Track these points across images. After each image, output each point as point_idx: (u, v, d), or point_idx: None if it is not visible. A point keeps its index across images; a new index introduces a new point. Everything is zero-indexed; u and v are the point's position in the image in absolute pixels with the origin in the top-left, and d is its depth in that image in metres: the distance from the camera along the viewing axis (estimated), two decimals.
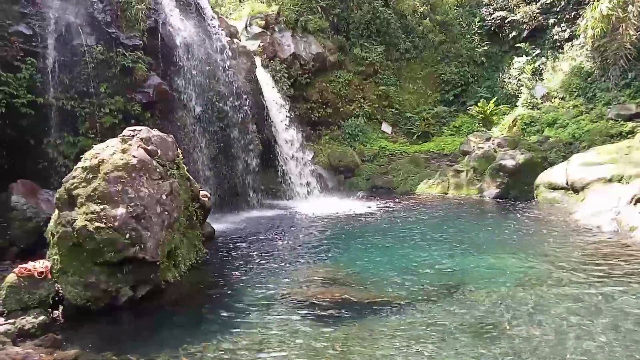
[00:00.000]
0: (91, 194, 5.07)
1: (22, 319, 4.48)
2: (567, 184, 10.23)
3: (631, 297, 5.05)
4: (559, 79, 14.46)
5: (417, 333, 4.40)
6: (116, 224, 4.95)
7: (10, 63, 7.70)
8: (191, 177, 6.78)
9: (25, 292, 4.68)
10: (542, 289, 5.36)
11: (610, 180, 9.28)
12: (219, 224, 8.72)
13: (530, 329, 4.39)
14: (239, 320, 4.84)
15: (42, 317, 4.55)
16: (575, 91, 13.96)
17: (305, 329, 4.59)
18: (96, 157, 5.35)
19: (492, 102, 15.20)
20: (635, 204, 7.97)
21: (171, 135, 6.44)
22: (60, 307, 4.87)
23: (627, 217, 7.80)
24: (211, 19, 11.30)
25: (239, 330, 4.60)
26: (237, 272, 6.31)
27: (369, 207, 11.01)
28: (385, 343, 4.23)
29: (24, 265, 4.82)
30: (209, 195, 7.32)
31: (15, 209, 6.60)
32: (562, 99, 14.19)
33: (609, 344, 4.08)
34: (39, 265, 4.84)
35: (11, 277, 4.74)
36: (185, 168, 6.59)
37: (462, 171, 12.73)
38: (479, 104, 15.33)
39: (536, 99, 14.65)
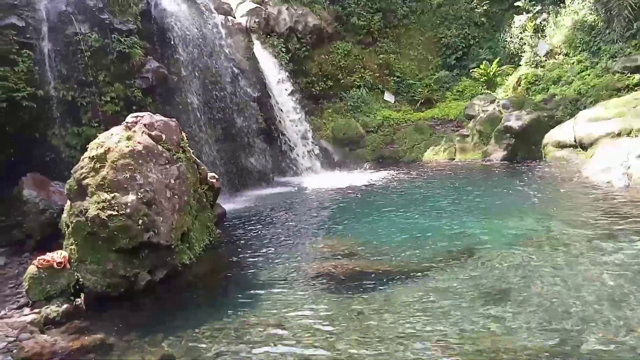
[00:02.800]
0: (101, 182, 5.10)
1: (47, 308, 4.59)
2: (575, 141, 10.14)
3: None
4: (562, 35, 14.12)
5: (433, 300, 4.45)
6: (128, 210, 5.00)
7: (6, 57, 7.63)
8: (198, 160, 6.79)
9: (47, 282, 4.78)
10: (555, 249, 5.38)
11: (618, 135, 9.18)
12: (229, 204, 8.78)
13: (545, 292, 4.43)
14: (257, 296, 4.92)
15: (65, 306, 4.66)
16: (579, 46, 13.64)
17: (322, 302, 4.66)
18: (102, 146, 5.36)
19: (494, 63, 14.94)
20: None
21: (174, 119, 6.42)
22: (82, 295, 4.97)
23: (638, 171, 7.74)
24: None
25: (258, 306, 4.69)
26: (251, 250, 6.39)
27: (377, 178, 11.01)
28: (404, 311, 4.29)
29: (42, 257, 4.90)
30: (216, 176, 7.34)
31: (28, 202, 6.67)
32: (566, 55, 13.89)
33: (627, 299, 4.11)
34: (57, 256, 4.92)
35: (32, 269, 4.83)
36: (191, 151, 6.59)
37: (467, 136, 12.64)
38: (481, 66, 15.08)
39: (539, 56, 14.36)
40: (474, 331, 3.82)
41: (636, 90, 10.93)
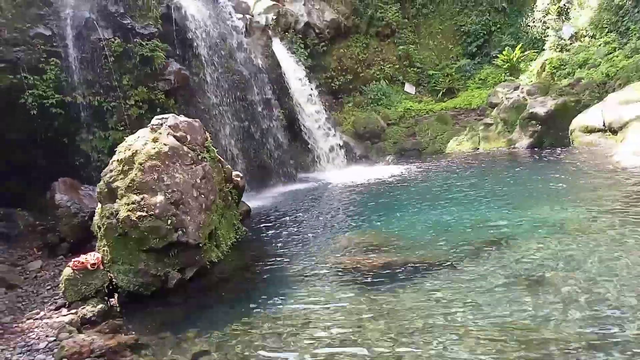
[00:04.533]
0: (129, 185, 5.21)
1: (83, 308, 4.73)
2: (603, 125, 9.86)
3: None
4: (587, 16, 13.71)
5: (464, 291, 4.40)
6: (157, 211, 5.09)
7: (36, 65, 7.87)
8: (222, 159, 6.86)
9: (82, 283, 4.92)
10: (588, 236, 5.26)
11: None
12: (254, 202, 8.86)
13: (580, 278, 4.33)
14: (285, 292, 4.96)
15: (100, 306, 4.79)
16: (606, 27, 13.22)
17: (351, 296, 4.66)
18: (129, 149, 5.47)
19: (517, 49, 14.61)
20: None
21: (197, 120, 6.50)
22: (116, 295, 5.11)
23: None
24: None
25: (287, 302, 4.73)
26: (277, 246, 6.44)
27: (400, 171, 10.94)
28: (433, 303, 4.26)
29: (77, 259, 5.05)
30: (241, 174, 7.41)
31: (60, 207, 6.86)
32: (592, 37, 13.49)
33: None
34: (90, 258, 5.06)
35: (67, 271, 4.98)
36: (215, 150, 6.67)
37: (491, 124, 12.42)
38: (503, 53, 14.78)
39: (564, 40, 13.98)
40: (507, 322, 3.77)
41: None
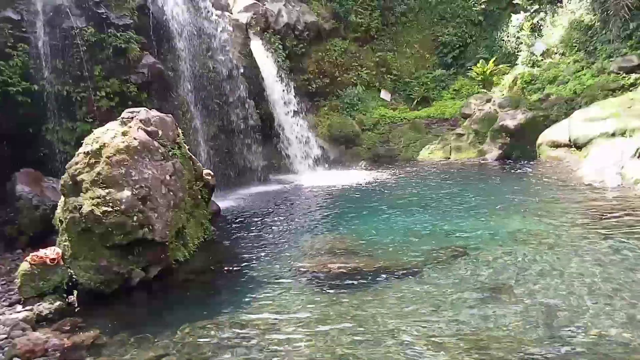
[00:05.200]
0: (95, 178, 5.06)
1: (39, 305, 4.56)
2: (569, 141, 10.18)
3: (637, 249, 5.10)
4: (558, 35, 14.17)
5: (428, 298, 4.46)
6: (123, 207, 4.96)
7: (2, 50, 7.58)
8: (193, 156, 6.75)
9: (40, 279, 4.74)
10: (547, 248, 5.41)
11: (613, 135, 9.23)
12: (224, 202, 8.76)
13: (539, 288, 4.45)
14: (251, 294, 4.91)
15: (58, 303, 4.62)
16: (575, 46, 13.69)
17: (317, 299, 4.66)
18: (97, 142, 5.31)
19: (491, 62, 14.96)
20: (639, 157, 7.94)
21: (170, 115, 6.37)
22: (75, 292, 4.95)
23: (631, 171, 7.79)
24: None
25: (252, 304, 4.68)
26: (245, 248, 6.38)
27: (372, 177, 11.02)
28: (398, 309, 4.29)
29: (35, 253, 4.86)
30: (212, 173, 7.31)
31: (21, 198, 6.62)
32: (563, 54, 13.94)
33: (617, 295, 4.14)
34: (50, 252, 4.88)
35: (24, 266, 4.79)
36: (187, 147, 6.56)
37: (463, 134, 12.66)
38: (477, 65, 15.10)
39: (536, 56, 14.40)
40: (469, 327, 3.84)
41: (631, 91, 10.99)
